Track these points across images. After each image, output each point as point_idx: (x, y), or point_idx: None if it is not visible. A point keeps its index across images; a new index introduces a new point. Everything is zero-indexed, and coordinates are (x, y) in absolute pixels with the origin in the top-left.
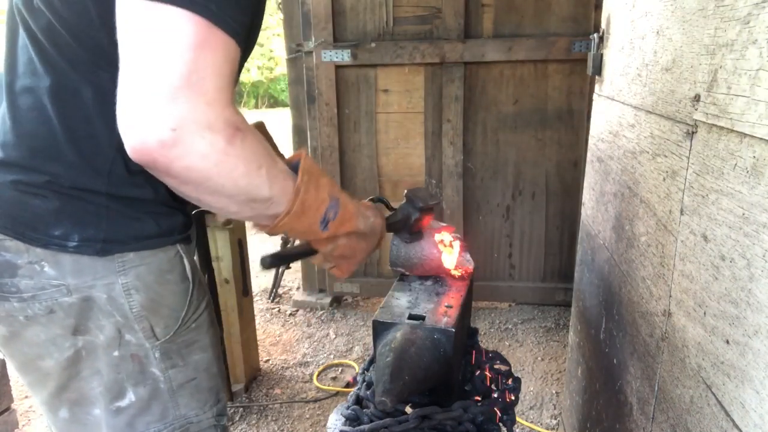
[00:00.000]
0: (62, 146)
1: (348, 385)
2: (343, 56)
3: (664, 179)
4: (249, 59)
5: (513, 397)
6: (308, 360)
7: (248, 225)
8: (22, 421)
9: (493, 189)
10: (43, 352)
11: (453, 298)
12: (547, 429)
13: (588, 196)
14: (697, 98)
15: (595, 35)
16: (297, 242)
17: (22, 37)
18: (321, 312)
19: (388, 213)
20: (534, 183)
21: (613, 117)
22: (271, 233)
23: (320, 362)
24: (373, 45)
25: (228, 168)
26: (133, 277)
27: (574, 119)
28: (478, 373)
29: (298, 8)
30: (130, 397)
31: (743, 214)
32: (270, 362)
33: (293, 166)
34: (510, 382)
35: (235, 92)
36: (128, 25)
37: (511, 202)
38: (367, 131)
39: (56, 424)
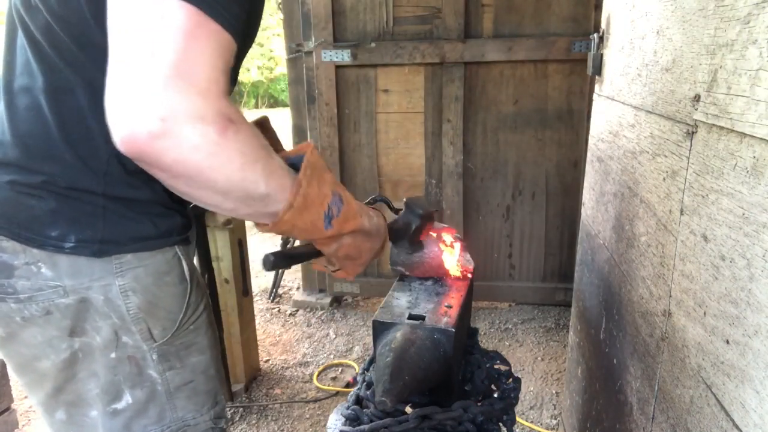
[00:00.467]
0: (58, 146)
1: (348, 385)
2: (343, 56)
3: (664, 179)
4: (249, 59)
5: (513, 397)
6: (308, 360)
7: (249, 225)
8: (22, 421)
9: (493, 189)
10: (39, 354)
11: (453, 298)
12: (547, 429)
13: (588, 196)
14: (697, 98)
15: (595, 35)
16: (297, 243)
17: (21, 37)
18: (321, 312)
19: (389, 215)
20: (534, 183)
21: (613, 117)
22: (273, 232)
23: (320, 362)
24: (373, 45)
25: (220, 161)
26: (130, 279)
27: (574, 119)
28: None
29: (298, 8)
30: (127, 399)
31: (743, 214)
32: (270, 362)
33: (295, 159)
34: (510, 382)
35: (234, 91)
36: (117, 14)
37: (511, 202)
38: (367, 131)
39: (53, 425)
